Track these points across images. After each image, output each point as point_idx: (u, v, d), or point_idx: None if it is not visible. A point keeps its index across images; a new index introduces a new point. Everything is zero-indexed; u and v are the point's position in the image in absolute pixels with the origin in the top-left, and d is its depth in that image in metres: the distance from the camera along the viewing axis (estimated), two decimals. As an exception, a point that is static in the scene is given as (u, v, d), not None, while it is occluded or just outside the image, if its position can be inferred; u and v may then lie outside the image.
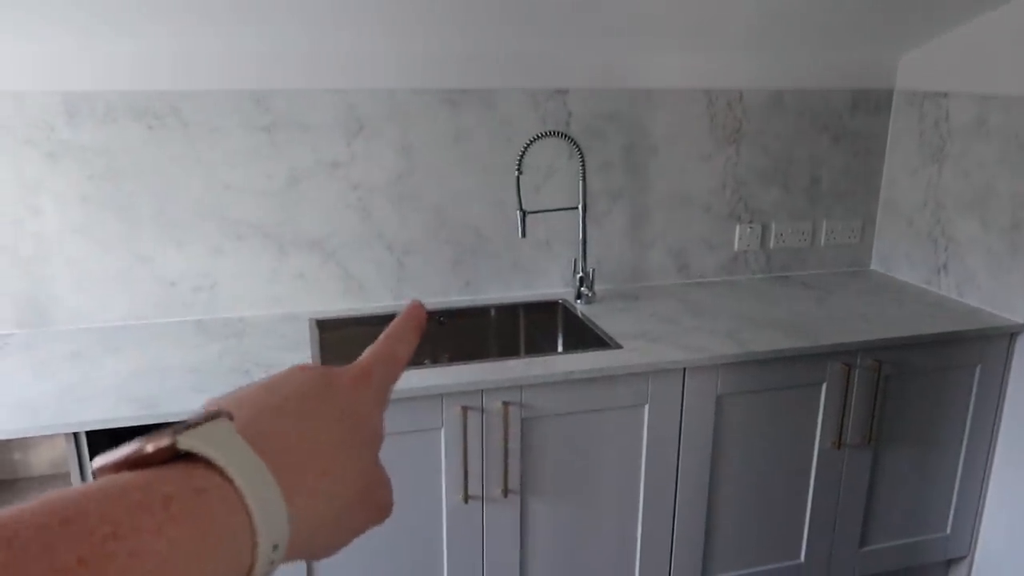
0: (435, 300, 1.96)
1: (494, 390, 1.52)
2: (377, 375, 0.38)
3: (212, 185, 1.76)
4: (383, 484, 0.36)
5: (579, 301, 1.95)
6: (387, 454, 0.37)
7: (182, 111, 1.71)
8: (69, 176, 1.68)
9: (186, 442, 0.27)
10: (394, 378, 0.39)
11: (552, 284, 2.04)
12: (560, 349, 1.96)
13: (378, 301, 1.93)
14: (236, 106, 1.74)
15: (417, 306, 0.42)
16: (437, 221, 1.92)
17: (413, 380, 1.49)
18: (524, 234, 1.84)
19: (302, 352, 1.63)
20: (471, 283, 1.99)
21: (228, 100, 1.73)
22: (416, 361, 1.89)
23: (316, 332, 1.78)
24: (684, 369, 1.62)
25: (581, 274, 1.94)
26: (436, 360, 1.93)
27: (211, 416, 0.28)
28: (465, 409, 1.50)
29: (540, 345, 1.99)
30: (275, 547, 0.28)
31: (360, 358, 0.38)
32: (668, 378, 1.62)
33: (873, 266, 2.30)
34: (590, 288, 1.93)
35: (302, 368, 0.35)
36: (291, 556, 0.29)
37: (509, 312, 1.97)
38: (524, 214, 1.82)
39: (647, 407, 1.62)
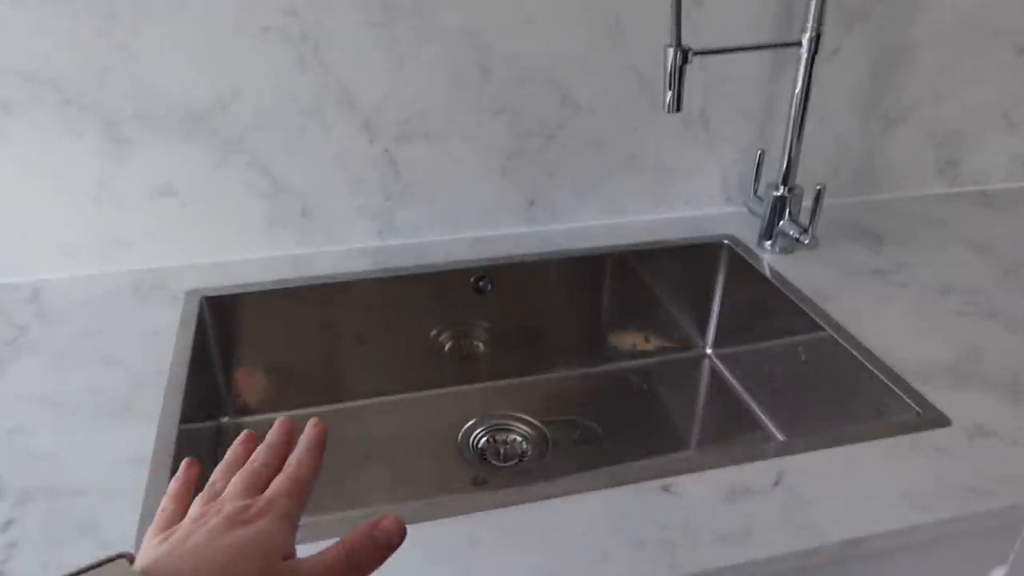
0: (469, 234, 0.95)
1: None
2: None
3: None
4: None
5: (770, 245, 0.93)
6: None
7: None
8: None
9: None
10: None
11: (702, 199, 1.01)
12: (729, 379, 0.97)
13: (343, 240, 0.92)
14: None
15: (391, 522, 0.35)
16: (472, 70, 0.86)
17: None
18: (679, 100, 0.78)
19: (150, 400, 0.65)
20: (540, 202, 0.96)
21: None
22: (422, 384, 0.93)
23: (203, 322, 0.80)
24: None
25: (783, 188, 0.90)
26: (464, 378, 0.95)
27: (117, 556, 0.29)
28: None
29: (680, 338, 0.99)
30: None
31: (309, 562, 0.32)
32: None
33: None
34: (808, 226, 0.88)
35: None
36: None
37: (617, 266, 0.95)
38: (686, 56, 0.75)
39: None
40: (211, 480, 0.37)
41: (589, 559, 0.51)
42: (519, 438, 0.89)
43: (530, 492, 0.56)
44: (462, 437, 0.88)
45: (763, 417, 0.90)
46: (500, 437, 0.89)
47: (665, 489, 0.57)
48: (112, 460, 0.59)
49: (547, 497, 0.56)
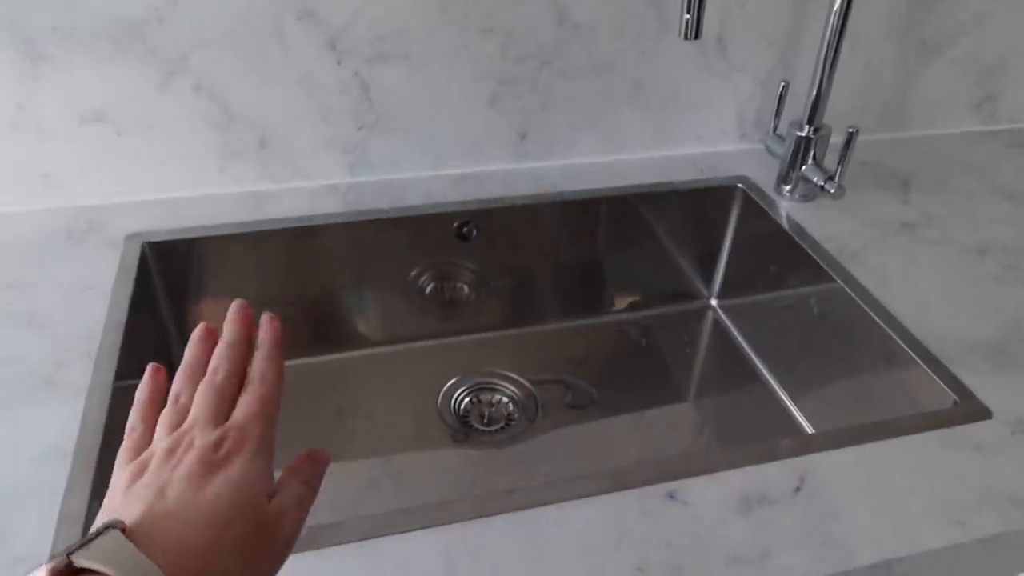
0: (452, 171, 0.84)
1: None
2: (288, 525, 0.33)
3: None
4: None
5: (788, 191, 0.83)
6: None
7: None
8: None
9: (79, 560, 0.27)
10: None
11: (714, 135, 0.90)
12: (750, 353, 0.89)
13: (309, 176, 0.81)
14: None
15: (318, 450, 0.38)
16: (456, -22, 0.73)
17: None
18: (699, 25, 0.67)
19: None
20: (532, 135, 0.85)
21: None
22: (411, 335, 0.85)
23: (146, 272, 0.70)
24: None
25: (808, 129, 0.79)
26: (446, 330, 0.87)
27: (106, 528, 0.28)
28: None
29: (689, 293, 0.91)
30: None
31: (286, 498, 0.34)
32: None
33: None
34: (834, 173, 0.78)
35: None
36: None
37: (616, 210, 0.85)
38: (710, -27, 0.63)
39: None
40: (173, 392, 0.36)
41: (583, 584, 0.44)
42: (505, 399, 0.81)
43: (516, 499, 0.49)
44: (443, 398, 0.80)
45: (768, 376, 0.83)
46: (485, 398, 0.81)
47: (671, 496, 0.49)
48: (28, 451, 0.51)
49: (536, 505, 0.48)
